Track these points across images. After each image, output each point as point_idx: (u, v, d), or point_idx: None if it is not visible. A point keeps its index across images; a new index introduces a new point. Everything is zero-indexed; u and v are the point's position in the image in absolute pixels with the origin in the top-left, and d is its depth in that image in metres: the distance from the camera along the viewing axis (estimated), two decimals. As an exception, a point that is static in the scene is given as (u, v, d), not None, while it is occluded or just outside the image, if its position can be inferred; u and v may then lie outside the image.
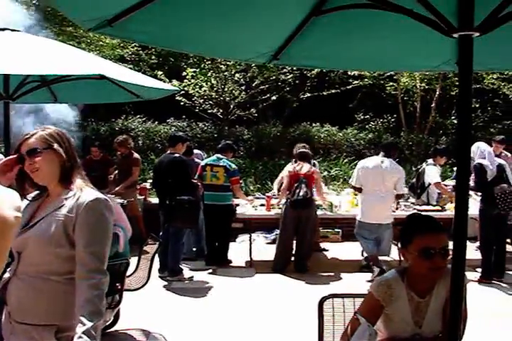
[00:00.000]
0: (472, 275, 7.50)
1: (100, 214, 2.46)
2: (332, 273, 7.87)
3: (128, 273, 5.06)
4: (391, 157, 7.95)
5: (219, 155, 8.20)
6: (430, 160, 8.96)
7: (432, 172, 8.73)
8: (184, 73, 15.29)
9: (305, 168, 7.89)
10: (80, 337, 2.22)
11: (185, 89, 15.17)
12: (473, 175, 7.47)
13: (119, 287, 4.75)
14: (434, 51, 3.23)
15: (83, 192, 2.48)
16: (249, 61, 3.51)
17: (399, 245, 2.95)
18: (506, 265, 7.75)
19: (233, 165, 8.16)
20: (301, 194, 7.63)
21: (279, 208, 8.32)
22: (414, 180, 9.42)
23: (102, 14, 2.49)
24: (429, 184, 8.75)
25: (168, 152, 7.72)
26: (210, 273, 7.85)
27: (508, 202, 7.11)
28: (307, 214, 7.85)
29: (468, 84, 2.20)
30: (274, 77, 16.29)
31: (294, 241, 8.11)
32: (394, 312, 2.76)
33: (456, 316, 2.19)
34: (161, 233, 7.50)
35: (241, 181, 11.93)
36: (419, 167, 9.36)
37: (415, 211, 8.22)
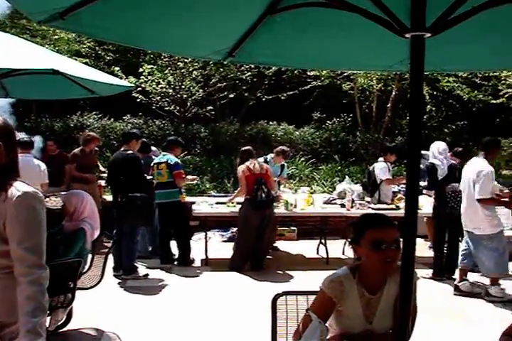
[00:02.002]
0: (424, 273, 7.63)
1: (30, 208, 2.37)
2: (287, 271, 7.90)
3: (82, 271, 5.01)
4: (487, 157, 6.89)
5: (164, 153, 8.13)
6: (381, 158, 9.08)
7: (380, 169, 8.84)
8: (141, 69, 15.17)
9: (258, 166, 7.89)
10: (25, 336, 2.18)
11: (142, 85, 15.07)
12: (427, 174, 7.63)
13: (72, 285, 4.69)
14: (389, 51, 3.26)
15: (12, 186, 2.38)
16: (205, 58, 3.51)
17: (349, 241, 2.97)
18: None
19: (174, 159, 7.99)
20: (263, 195, 7.63)
21: (233, 206, 8.32)
22: (365, 179, 9.56)
23: (54, 6, 2.43)
24: (381, 181, 8.87)
25: (122, 149, 7.66)
26: (165, 272, 7.79)
27: (458, 201, 7.24)
28: (269, 214, 7.89)
29: (420, 84, 2.24)
30: (231, 75, 16.27)
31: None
32: (345, 308, 2.79)
33: (405, 313, 2.22)
34: (114, 231, 7.43)
35: (198, 179, 11.92)
36: (371, 167, 9.46)
37: (370, 209, 8.32)
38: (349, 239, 3.00)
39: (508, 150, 16.68)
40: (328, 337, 2.84)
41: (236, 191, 8.56)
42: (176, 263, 8.11)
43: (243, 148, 8.35)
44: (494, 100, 16.91)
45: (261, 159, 9.09)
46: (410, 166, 2.19)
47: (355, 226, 2.86)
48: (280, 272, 7.88)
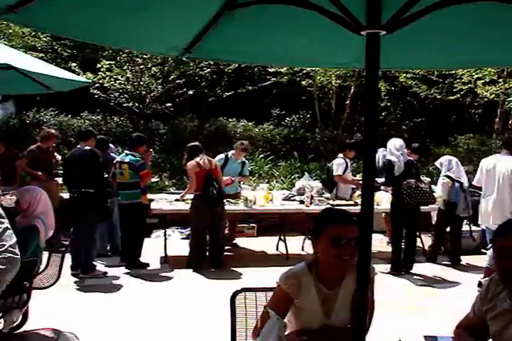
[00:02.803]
0: (383, 268, 7.73)
1: None
2: (247, 268, 7.92)
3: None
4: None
5: (127, 151, 7.91)
6: (340, 154, 9.16)
7: (337, 165, 8.93)
8: (99, 65, 14.97)
9: (207, 162, 7.86)
10: None
11: (100, 81, 14.88)
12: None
13: (27, 285, 4.62)
14: (346, 48, 3.27)
15: None
16: (162, 54, 3.49)
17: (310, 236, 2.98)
18: (415, 257, 8.04)
19: (138, 160, 7.76)
20: (215, 191, 7.61)
21: (187, 203, 8.30)
22: (324, 175, 9.65)
23: (3, -2, 2.35)
24: (335, 179, 8.98)
25: (79, 146, 7.60)
26: (124, 270, 7.73)
27: (413, 197, 7.36)
28: (220, 210, 7.88)
29: (375, 81, 2.25)
30: (191, 72, 16.18)
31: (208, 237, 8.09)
32: (303, 304, 2.80)
33: (362, 307, 2.24)
34: (72, 229, 7.34)
35: (155, 176, 11.86)
36: (330, 164, 9.53)
37: (329, 206, 8.38)
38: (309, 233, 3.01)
39: (464, 147, 16.96)
40: (286, 333, 2.85)
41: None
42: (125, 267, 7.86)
43: (191, 144, 8.28)
44: (450, 97, 17.20)
45: (222, 156, 9.09)
46: (366, 162, 2.21)
47: (315, 221, 2.87)
48: (240, 269, 7.88)
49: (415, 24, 2.32)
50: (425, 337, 2.87)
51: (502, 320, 2.52)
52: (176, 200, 8.68)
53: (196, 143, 8.29)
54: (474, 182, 7.51)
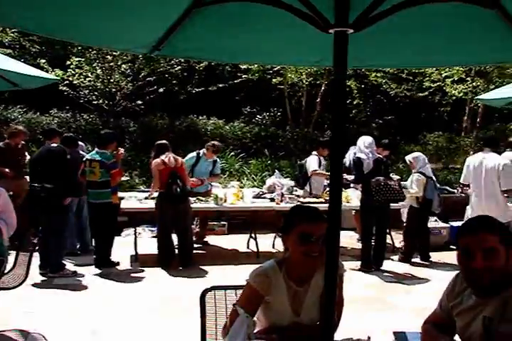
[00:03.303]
0: (354, 265, 7.79)
1: None
2: (218, 266, 7.92)
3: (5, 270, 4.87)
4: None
5: (97, 149, 7.78)
6: (314, 152, 9.20)
7: (311, 162, 8.98)
8: (68, 62, 14.81)
9: (172, 159, 7.83)
10: None
11: (70, 79, 14.72)
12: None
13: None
14: (315, 46, 3.27)
15: None
16: (130, 51, 3.45)
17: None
18: (385, 254, 8.11)
19: (110, 158, 7.66)
20: (178, 189, 7.59)
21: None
22: (297, 172, 9.68)
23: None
24: (311, 174, 9.01)
25: (46, 144, 7.55)
26: (94, 269, 7.66)
27: (382, 194, 7.42)
28: (185, 208, 7.85)
29: (343, 79, 2.26)
30: (161, 69, 16.09)
31: (175, 236, 8.08)
32: (272, 301, 2.81)
33: (330, 304, 2.25)
34: (40, 228, 7.25)
35: (126, 174, 11.78)
36: (303, 161, 9.55)
37: (299, 203, 8.41)
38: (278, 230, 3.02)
39: (433, 144, 17.15)
40: (256, 331, 2.85)
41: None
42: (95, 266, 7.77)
43: (158, 142, 8.25)
44: (420, 94, 17.37)
45: (193, 154, 9.08)
46: (334, 160, 2.22)
47: (285, 219, 2.88)
48: (210, 267, 7.87)
49: (385, 23, 2.33)
50: (394, 332, 2.90)
51: (467, 316, 2.56)
52: (146, 198, 8.64)
53: (163, 141, 8.24)
54: (461, 180, 8.09)
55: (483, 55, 3.44)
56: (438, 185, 8.52)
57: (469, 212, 7.84)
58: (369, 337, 2.63)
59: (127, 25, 3.01)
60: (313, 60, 3.59)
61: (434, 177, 8.22)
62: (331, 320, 2.28)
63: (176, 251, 8.05)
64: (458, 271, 2.63)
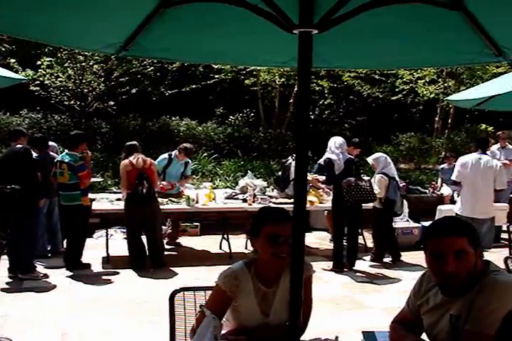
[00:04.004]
0: (326, 265, 7.82)
1: None
2: (190, 267, 7.88)
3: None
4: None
5: (66, 151, 7.66)
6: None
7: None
8: (39, 62, 14.64)
9: (141, 160, 7.77)
10: None
11: (41, 79, 14.56)
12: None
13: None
14: (283, 47, 3.28)
15: None
16: (98, 51, 3.42)
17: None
18: (357, 254, 8.15)
19: (78, 161, 7.54)
20: (145, 191, 7.55)
21: None
22: (279, 173, 9.65)
23: None
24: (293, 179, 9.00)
25: (12, 145, 7.47)
26: (66, 271, 7.57)
27: (353, 195, 7.45)
28: (152, 209, 7.81)
29: (307, 80, 2.26)
30: (134, 70, 16.00)
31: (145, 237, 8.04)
32: (241, 302, 2.80)
33: (296, 305, 2.26)
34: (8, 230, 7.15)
35: (98, 175, 11.70)
36: (284, 161, 9.53)
37: (271, 204, 8.43)
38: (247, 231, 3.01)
39: (406, 145, 17.29)
40: (225, 332, 2.85)
41: None
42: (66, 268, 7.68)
43: (128, 143, 8.20)
44: (392, 97, 17.51)
45: (165, 156, 9.04)
46: (298, 161, 2.23)
47: (254, 220, 2.88)
48: (183, 268, 7.83)
49: (352, 24, 2.35)
50: (363, 332, 2.91)
51: (434, 314, 2.57)
52: (118, 200, 8.58)
53: (133, 142, 8.19)
54: (453, 178, 8.23)
55: (450, 56, 3.47)
56: (403, 185, 8.67)
57: (457, 208, 8.15)
58: (337, 337, 2.64)
59: (94, 25, 2.98)
60: (281, 60, 3.58)
61: (397, 178, 8.28)
62: (297, 320, 2.29)
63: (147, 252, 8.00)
64: (425, 270, 2.64)
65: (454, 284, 2.41)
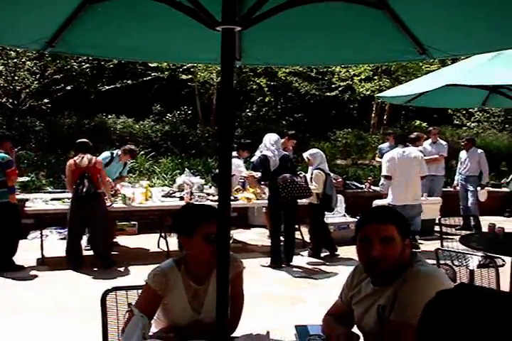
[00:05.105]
0: (264, 261, 7.87)
1: None
2: (128, 266, 7.83)
3: None
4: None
5: None
6: (234, 153, 9.19)
7: (239, 165, 9.04)
8: (-32, 59, 14.21)
9: (86, 160, 7.68)
10: None
11: (-30, 76, 14.14)
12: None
13: None
14: (211, 44, 3.27)
15: None
16: (23, 47, 3.34)
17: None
18: (295, 250, 8.23)
19: (5, 157, 7.37)
20: (84, 190, 7.44)
21: (64, 202, 8.17)
22: (216, 170, 9.63)
23: None
24: (233, 175, 9.00)
25: None
26: (-3, 273, 7.40)
27: (288, 191, 7.50)
28: (94, 209, 7.70)
29: (230, 77, 2.26)
30: (69, 67, 15.68)
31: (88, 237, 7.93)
32: (172, 300, 2.79)
33: (223, 301, 2.27)
34: None
35: (31, 175, 11.45)
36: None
37: (208, 201, 8.45)
38: (175, 231, 2.96)
39: (343, 141, 17.51)
40: (157, 330, 2.84)
41: None
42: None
43: (78, 141, 8.12)
44: (329, 93, 17.72)
45: (107, 154, 8.91)
46: (222, 157, 2.23)
47: (183, 220, 2.85)
48: (120, 268, 7.76)
49: (281, 21, 2.36)
50: (296, 326, 2.94)
51: (364, 304, 2.63)
52: (53, 199, 8.43)
53: (83, 140, 8.09)
54: (384, 173, 9.01)
55: (377, 54, 3.53)
56: (339, 181, 9.08)
57: (389, 199, 8.94)
58: (268, 332, 2.65)
59: (18, 20, 2.92)
60: (210, 57, 3.57)
61: (331, 174, 8.43)
62: (224, 317, 2.29)
63: (92, 252, 7.95)
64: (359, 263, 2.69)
65: (378, 269, 2.48)
